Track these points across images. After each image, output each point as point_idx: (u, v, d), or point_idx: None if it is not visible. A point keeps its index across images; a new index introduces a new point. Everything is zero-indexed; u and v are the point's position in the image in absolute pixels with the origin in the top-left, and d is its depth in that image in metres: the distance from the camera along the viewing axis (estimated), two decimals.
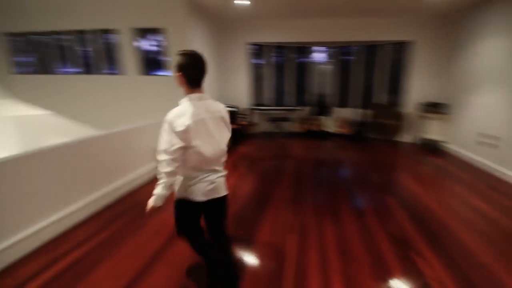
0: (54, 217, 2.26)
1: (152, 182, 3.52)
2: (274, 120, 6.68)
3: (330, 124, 6.62)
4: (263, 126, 7.00)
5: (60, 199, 2.35)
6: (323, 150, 5.58)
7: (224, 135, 1.54)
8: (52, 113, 6.27)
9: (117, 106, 5.78)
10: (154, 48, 5.42)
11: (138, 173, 3.47)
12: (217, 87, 6.54)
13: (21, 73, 6.24)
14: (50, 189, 2.26)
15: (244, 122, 6.37)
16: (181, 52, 1.43)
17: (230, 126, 1.61)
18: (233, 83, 6.96)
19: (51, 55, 5.99)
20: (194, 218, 1.60)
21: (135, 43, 5.29)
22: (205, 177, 1.47)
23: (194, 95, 1.41)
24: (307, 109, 6.82)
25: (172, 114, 1.36)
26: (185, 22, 4.88)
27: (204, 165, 1.46)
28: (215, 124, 1.46)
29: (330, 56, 6.89)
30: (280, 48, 6.90)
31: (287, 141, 6.15)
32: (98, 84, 5.79)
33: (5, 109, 6.50)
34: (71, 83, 5.95)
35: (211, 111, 1.45)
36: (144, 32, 5.30)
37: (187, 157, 1.40)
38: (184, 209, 1.56)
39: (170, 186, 1.41)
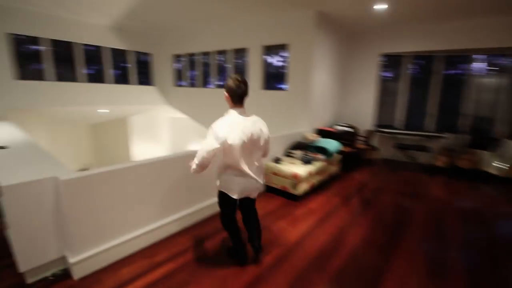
0: (157, 224, 2.41)
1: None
2: (404, 147, 5.40)
3: (493, 161, 4.69)
4: (388, 152, 5.82)
5: (164, 207, 2.51)
6: (479, 197, 3.95)
7: (257, 144, 1.87)
8: (190, 118, 7.56)
9: None
10: (279, 64, 5.49)
11: None
12: (336, 104, 5.97)
13: (179, 86, 7.87)
14: (156, 197, 2.44)
15: (362, 146, 5.48)
16: (230, 77, 1.82)
17: (267, 136, 1.95)
18: (355, 100, 6.19)
19: (200, 71, 7.23)
20: (230, 208, 2.00)
21: (262, 59, 5.53)
22: (239, 178, 1.85)
23: (236, 109, 1.82)
24: (455, 138, 5.13)
25: (217, 122, 1.79)
26: (309, 37, 4.67)
27: (238, 167, 1.81)
28: (249, 133, 1.79)
29: (501, 66, 4.93)
30: (420, 58, 5.58)
31: (420, 176, 4.79)
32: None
33: (166, 112, 8.52)
34: (208, 95, 6.92)
35: (249, 122, 1.82)
36: (271, 49, 5.47)
37: (225, 158, 1.81)
38: (222, 199, 1.97)
39: (198, 170, 1.83)
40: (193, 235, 2.55)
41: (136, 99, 7.64)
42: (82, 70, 6.43)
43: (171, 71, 7.84)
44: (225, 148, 1.74)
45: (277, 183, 3.59)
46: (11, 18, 5.21)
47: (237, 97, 1.80)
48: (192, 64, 7.35)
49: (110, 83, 7.05)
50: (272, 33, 5.25)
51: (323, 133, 4.94)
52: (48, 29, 5.73)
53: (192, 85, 7.46)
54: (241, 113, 1.81)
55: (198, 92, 7.23)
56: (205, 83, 7.12)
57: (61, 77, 6.11)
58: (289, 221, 2.91)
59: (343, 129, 5.24)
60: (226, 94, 1.82)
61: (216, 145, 1.71)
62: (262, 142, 1.89)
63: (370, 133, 5.73)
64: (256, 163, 1.89)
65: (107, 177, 2.01)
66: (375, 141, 5.90)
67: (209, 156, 1.73)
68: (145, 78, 7.96)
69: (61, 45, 6.04)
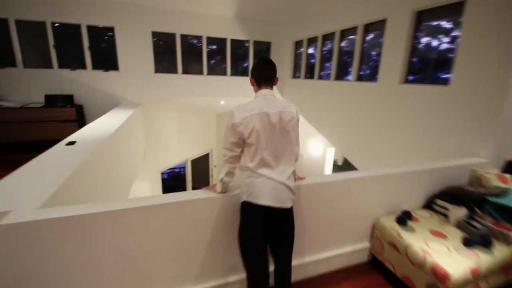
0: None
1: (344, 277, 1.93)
2: None
3: None
4: None
5: (175, 276, 1.60)
6: None
7: (285, 135, 1.45)
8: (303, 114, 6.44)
9: (358, 124, 4.54)
10: (434, 43, 3.36)
11: (319, 255, 2.05)
12: None
13: (294, 77, 6.93)
14: (161, 260, 1.55)
15: None
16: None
17: (297, 124, 1.53)
18: None
19: (318, 60, 5.96)
20: (257, 226, 1.41)
21: (408, 34, 3.57)
22: (267, 180, 1.39)
23: (259, 93, 1.51)
24: None
25: (236, 107, 1.45)
26: None
27: (265, 161, 1.40)
28: (274, 119, 1.42)
29: None
30: None
31: None
32: (343, 91, 4.89)
33: None
34: (327, 89, 5.51)
35: (274, 106, 1.44)
36: (423, 18, 3.41)
37: (247, 155, 1.42)
38: (247, 214, 1.43)
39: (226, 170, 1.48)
40: None
41: (251, 91, 7.33)
42: (206, 63, 6.63)
43: (289, 60, 6.97)
44: (244, 138, 1.39)
45: (394, 265, 1.92)
46: (154, 17, 5.83)
47: (259, 80, 1.53)
48: (311, 53, 6.13)
49: (230, 75, 7.00)
50: None
51: None
52: (180, 24, 6.10)
53: (309, 76, 6.25)
54: (265, 94, 1.49)
55: (316, 85, 5.94)
56: (321, 75, 5.75)
57: (187, 70, 6.51)
58: None
59: None
60: (251, 80, 1.58)
61: (233, 137, 1.40)
62: (292, 134, 1.47)
63: None
64: (285, 164, 1.46)
65: (79, 223, 1.30)
66: None
67: (230, 148, 1.43)
68: None
69: (187, 39, 6.38)
